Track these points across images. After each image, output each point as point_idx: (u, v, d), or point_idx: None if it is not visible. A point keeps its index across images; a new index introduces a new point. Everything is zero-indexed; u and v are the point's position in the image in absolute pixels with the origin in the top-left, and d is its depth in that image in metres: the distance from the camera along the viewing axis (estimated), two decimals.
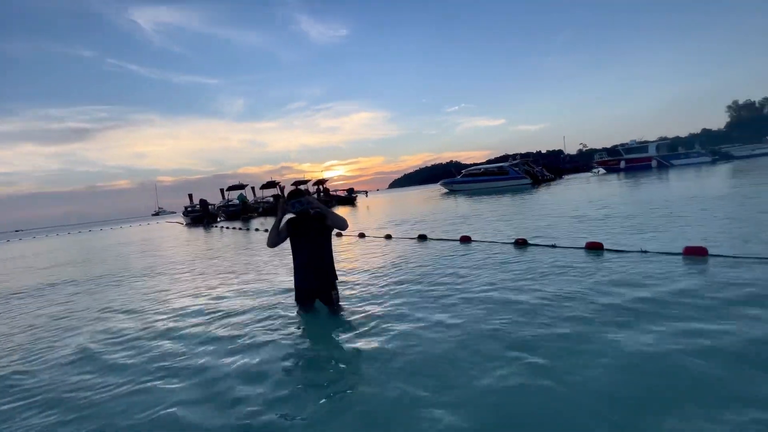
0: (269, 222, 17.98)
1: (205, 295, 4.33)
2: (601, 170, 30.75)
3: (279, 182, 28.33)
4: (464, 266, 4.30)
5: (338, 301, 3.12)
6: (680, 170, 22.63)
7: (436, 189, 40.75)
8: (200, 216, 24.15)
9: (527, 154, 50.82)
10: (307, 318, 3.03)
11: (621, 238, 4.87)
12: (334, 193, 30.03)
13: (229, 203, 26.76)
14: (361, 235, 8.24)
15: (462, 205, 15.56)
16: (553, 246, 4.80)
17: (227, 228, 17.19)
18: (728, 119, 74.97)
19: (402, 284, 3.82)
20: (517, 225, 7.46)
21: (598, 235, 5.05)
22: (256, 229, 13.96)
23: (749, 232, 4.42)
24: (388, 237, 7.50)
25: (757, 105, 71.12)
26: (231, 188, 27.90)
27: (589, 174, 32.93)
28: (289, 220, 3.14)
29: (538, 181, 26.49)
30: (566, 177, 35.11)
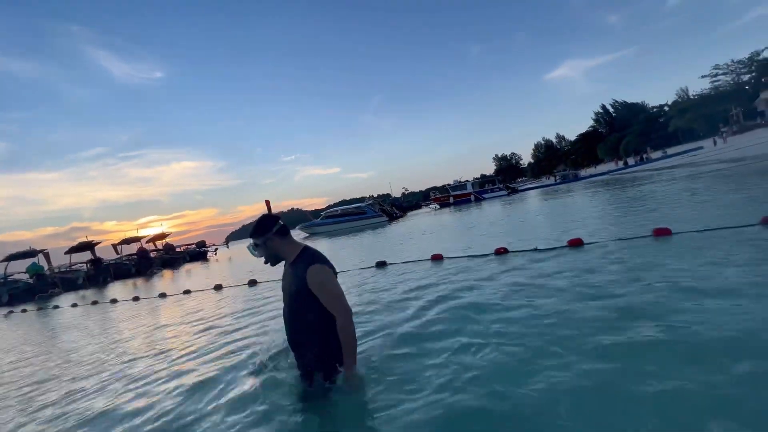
0: (81, 296, 13.71)
1: None
2: (437, 206, 36.79)
3: (96, 242, 21.93)
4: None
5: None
6: (490, 201, 29.35)
7: (296, 234, 40.00)
8: None
9: (361, 199, 55.28)
10: None
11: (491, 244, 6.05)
12: (182, 248, 25.37)
13: (8, 280, 18.85)
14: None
15: (337, 243, 15.76)
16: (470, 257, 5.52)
17: (8, 313, 11.93)
18: (495, 166, 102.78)
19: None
20: (428, 244, 8.18)
21: (505, 240, 6.10)
22: (74, 305, 10.28)
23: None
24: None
25: (508, 157, 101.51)
26: (12, 257, 19.60)
27: (428, 209, 38.88)
28: None
29: (392, 218, 29.47)
30: (409, 213, 40.20)
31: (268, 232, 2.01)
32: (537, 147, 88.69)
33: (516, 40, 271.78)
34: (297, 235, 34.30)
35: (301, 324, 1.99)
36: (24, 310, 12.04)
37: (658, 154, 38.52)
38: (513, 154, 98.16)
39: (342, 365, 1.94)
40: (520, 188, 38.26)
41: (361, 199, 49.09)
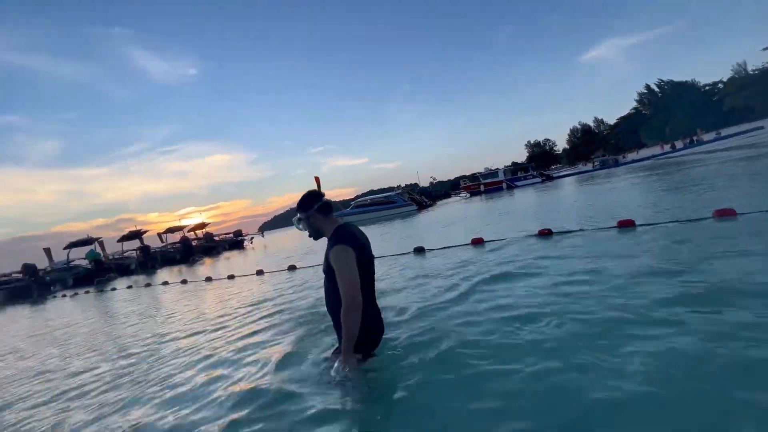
0: (131, 281, 14.74)
1: None
2: (467, 194, 36.14)
3: (144, 231, 23.50)
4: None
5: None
6: (523, 189, 28.43)
7: None
8: (26, 287, 17.77)
9: (389, 189, 55.17)
10: None
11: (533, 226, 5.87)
12: (220, 237, 26.64)
13: (71, 266, 20.64)
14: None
15: (369, 231, 15.90)
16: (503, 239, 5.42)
17: (73, 295, 13.11)
18: (527, 153, 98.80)
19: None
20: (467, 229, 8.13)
21: (548, 223, 5.96)
22: (130, 287, 11.12)
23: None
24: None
25: (541, 143, 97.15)
26: (74, 245, 21.49)
27: (457, 198, 38.28)
28: None
29: (421, 207, 29.31)
30: (439, 202, 39.83)
31: (310, 209, 2.08)
32: (573, 132, 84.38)
33: (548, 21, 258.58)
34: None
35: (330, 300, 2.08)
36: (87, 292, 13.17)
37: (710, 135, 35.62)
38: (546, 140, 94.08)
39: (359, 350, 1.99)
40: (554, 175, 36.74)
41: (389, 189, 49.20)
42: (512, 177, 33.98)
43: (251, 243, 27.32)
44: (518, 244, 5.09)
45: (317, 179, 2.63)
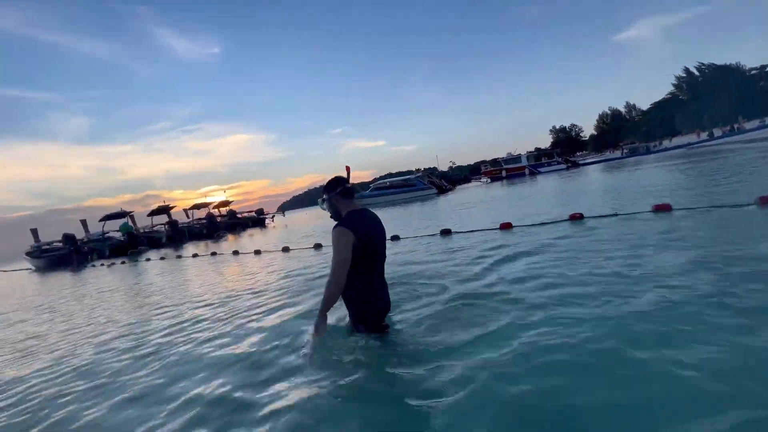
0: (162, 254, 15.39)
1: None
2: (488, 179, 35.57)
3: (172, 206, 24.42)
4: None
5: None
6: (546, 175, 27.70)
7: None
8: (67, 255, 18.94)
9: (407, 172, 54.54)
10: None
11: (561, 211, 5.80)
12: (242, 215, 27.40)
13: (105, 237, 21.79)
14: None
15: (390, 213, 15.99)
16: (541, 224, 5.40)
17: (110, 264, 13.89)
18: (551, 139, 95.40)
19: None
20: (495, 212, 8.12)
21: (578, 207, 5.89)
22: (163, 258, 11.72)
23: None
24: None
25: (567, 129, 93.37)
26: (109, 217, 22.65)
27: (478, 183, 37.78)
28: None
29: (441, 191, 29.10)
30: (458, 187, 39.31)
31: (332, 192, 2.29)
32: (602, 117, 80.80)
33: None
34: None
35: None
36: (123, 262, 13.93)
37: (753, 123, 33.46)
38: (573, 125, 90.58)
39: (357, 320, 2.24)
40: (581, 162, 35.54)
41: (408, 172, 48.76)
42: (536, 163, 33.13)
43: (273, 221, 28.00)
44: (548, 228, 5.07)
45: (348, 168, 2.83)
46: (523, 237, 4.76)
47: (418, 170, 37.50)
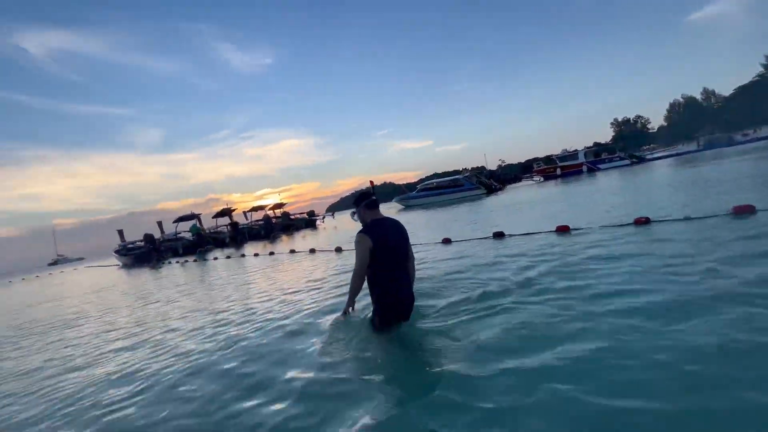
0: (226, 253, 16.64)
1: None
2: (540, 178, 33.86)
3: (234, 209, 26.48)
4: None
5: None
6: (607, 173, 25.72)
7: (392, 207, 41.27)
8: (147, 253, 21.41)
9: (454, 172, 53.39)
10: None
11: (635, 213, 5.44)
12: (295, 216, 28.91)
13: (178, 237, 24.25)
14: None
15: (438, 215, 15.97)
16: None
17: (184, 262, 15.46)
18: (613, 133, 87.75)
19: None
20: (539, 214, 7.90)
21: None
22: (229, 257, 12.81)
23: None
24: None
25: (631, 121, 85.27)
26: (181, 219, 25.26)
27: (530, 182, 36.10)
28: None
29: (491, 191, 28.29)
30: (508, 186, 37.98)
31: (360, 205, 2.79)
32: (673, 107, 73.28)
33: None
34: (391, 207, 35.73)
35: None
36: (195, 260, 15.44)
37: None
38: (638, 117, 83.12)
39: (377, 314, 2.69)
40: (647, 157, 32.44)
41: (454, 172, 48.22)
42: (595, 159, 30.88)
43: (323, 222, 29.18)
44: (610, 232, 4.83)
45: (371, 183, 3.47)
46: (580, 241, 4.59)
47: (465, 170, 36.79)
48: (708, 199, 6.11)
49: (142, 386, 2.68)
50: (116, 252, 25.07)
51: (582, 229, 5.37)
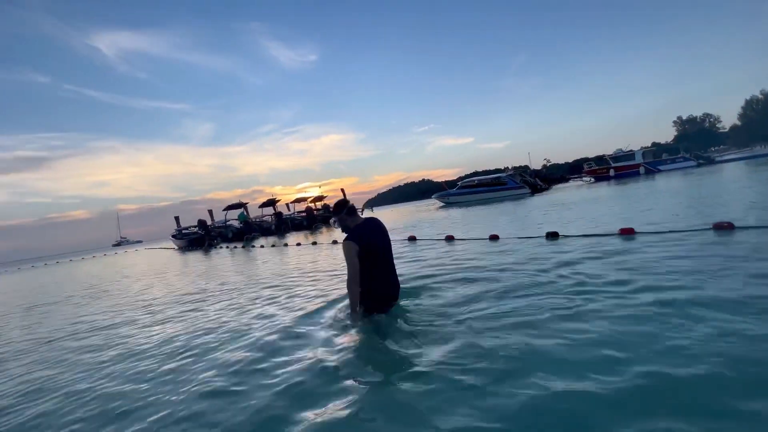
0: (270, 242, 17.34)
1: None
2: (591, 179, 31.93)
3: (278, 200, 27.60)
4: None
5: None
6: (667, 174, 23.68)
7: (431, 203, 40.90)
8: (200, 238, 22.98)
9: (495, 170, 51.80)
10: None
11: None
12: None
13: (227, 224, 25.76)
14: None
15: (481, 212, 15.56)
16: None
17: (233, 248, 16.36)
18: (675, 133, 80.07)
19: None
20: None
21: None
22: (273, 245, 13.40)
23: None
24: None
25: (698, 120, 77.18)
26: (230, 207, 26.86)
27: (579, 182, 34.15)
28: None
29: (536, 190, 27.16)
30: (555, 186, 36.26)
31: (341, 213, 2.92)
32: (750, 103, 65.66)
33: None
34: (432, 204, 35.38)
35: None
36: (243, 247, 16.32)
37: None
38: (706, 115, 75.65)
39: (363, 307, 2.87)
40: (717, 158, 29.38)
41: (495, 171, 46.98)
42: (654, 160, 28.54)
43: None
44: (680, 236, 4.41)
45: (343, 190, 3.56)
46: (646, 247, 4.23)
47: (506, 168, 35.50)
48: None
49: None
50: (173, 236, 27.12)
51: (649, 233, 4.96)
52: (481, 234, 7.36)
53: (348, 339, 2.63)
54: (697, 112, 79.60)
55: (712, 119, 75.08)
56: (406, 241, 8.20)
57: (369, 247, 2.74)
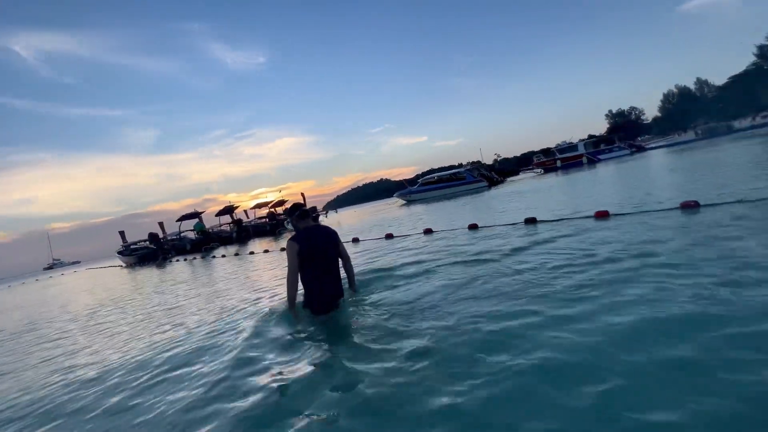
0: (232, 251, 16.47)
1: None
2: (540, 170, 33.96)
3: (236, 206, 26.21)
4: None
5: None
6: (606, 163, 25.81)
7: (392, 202, 41.10)
8: (152, 252, 21.12)
9: (450, 167, 53.32)
10: None
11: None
12: None
13: (182, 236, 23.97)
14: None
15: (447, 207, 15.86)
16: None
17: (194, 259, 15.23)
18: (608, 125, 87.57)
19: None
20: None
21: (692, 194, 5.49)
22: (237, 254, 12.64)
23: None
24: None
25: (626, 113, 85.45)
26: (184, 218, 24.96)
27: (531, 174, 36.18)
28: None
29: (492, 183, 28.32)
30: (508, 179, 38.04)
31: (292, 216, 3.16)
32: (667, 97, 73.65)
33: None
34: (393, 202, 35.63)
35: None
36: (203, 257, 15.25)
37: None
38: (632, 108, 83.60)
39: (305, 304, 3.07)
40: (647, 146, 32.67)
41: (450, 167, 48.38)
42: (594, 150, 31.00)
43: (326, 217, 29.09)
44: (653, 218, 4.70)
45: (303, 195, 3.57)
46: (626, 227, 4.48)
47: (460, 165, 36.72)
48: (756, 180, 6.03)
49: None
50: (119, 253, 24.79)
51: (624, 214, 5.25)
52: (460, 225, 7.46)
53: (294, 349, 2.61)
54: (625, 106, 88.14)
55: (637, 112, 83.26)
56: (384, 239, 8.10)
57: (311, 249, 2.91)
